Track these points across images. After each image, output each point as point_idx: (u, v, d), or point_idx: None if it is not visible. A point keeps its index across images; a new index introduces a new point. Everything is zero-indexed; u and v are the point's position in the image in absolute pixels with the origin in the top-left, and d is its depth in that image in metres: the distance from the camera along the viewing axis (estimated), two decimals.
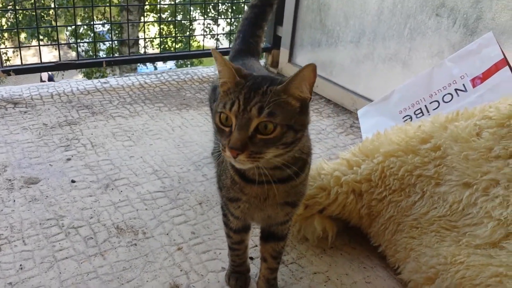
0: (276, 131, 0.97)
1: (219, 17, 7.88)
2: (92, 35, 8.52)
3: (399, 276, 1.51)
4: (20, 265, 1.49)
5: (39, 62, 3.07)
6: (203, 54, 3.90)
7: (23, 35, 10.15)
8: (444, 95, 2.08)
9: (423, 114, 2.10)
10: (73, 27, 6.39)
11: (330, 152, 2.38)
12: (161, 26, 5.63)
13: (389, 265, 1.57)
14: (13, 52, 9.12)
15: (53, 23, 8.25)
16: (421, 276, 1.40)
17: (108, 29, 9.91)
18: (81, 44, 10.97)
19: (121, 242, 1.62)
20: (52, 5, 8.50)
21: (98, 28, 9.70)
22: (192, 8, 10.27)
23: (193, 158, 2.21)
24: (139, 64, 7.48)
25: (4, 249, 1.55)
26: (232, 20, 4.40)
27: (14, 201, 1.80)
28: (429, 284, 1.37)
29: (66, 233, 1.65)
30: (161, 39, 4.22)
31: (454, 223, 1.40)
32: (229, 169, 1.17)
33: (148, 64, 8.57)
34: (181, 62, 9.80)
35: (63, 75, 10.08)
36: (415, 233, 1.47)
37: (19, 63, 3.06)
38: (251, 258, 1.57)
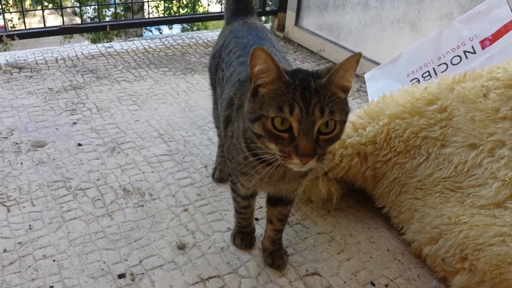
0: (336, 128, 0.95)
1: None
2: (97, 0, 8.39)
3: (402, 236, 1.52)
4: (29, 225, 1.52)
5: (43, 26, 3.04)
6: (208, 17, 3.85)
7: (28, 2, 10.04)
8: (453, 57, 2.05)
9: (431, 77, 2.07)
10: None
11: None
12: None
13: (393, 226, 1.59)
14: (19, 19, 9.02)
15: None
16: (425, 236, 1.41)
17: None
18: (87, 11, 10.83)
19: (128, 203, 1.64)
20: None
21: None
22: None
23: (198, 122, 2.21)
24: (144, 30, 7.41)
25: (13, 210, 1.58)
26: None
27: (22, 163, 1.82)
28: (432, 244, 1.39)
29: (73, 195, 1.67)
30: (166, 4, 4.14)
31: (459, 184, 1.40)
32: (243, 148, 1.11)
33: (154, 31, 8.50)
34: (187, 27, 9.69)
35: (69, 41, 10.03)
36: (419, 195, 1.48)
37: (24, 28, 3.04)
38: (257, 219, 1.59)
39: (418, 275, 1.42)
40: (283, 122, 0.92)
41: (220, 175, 1.79)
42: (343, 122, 0.97)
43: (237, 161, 1.17)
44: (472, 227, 1.28)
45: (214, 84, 1.55)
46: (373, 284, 1.38)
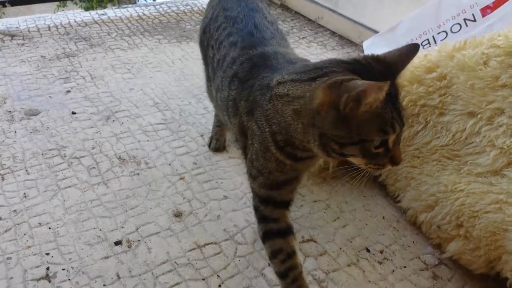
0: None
1: None
2: None
3: (398, 204, 1.53)
4: (24, 193, 1.51)
5: None
6: None
7: None
8: (453, 25, 2.01)
9: (430, 45, 2.04)
10: None
11: None
12: None
13: (389, 194, 1.59)
14: None
15: None
16: (421, 203, 1.41)
17: None
18: None
19: (124, 171, 1.63)
20: None
21: None
22: None
23: (194, 91, 2.18)
24: None
25: (7, 178, 1.57)
26: None
27: (15, 132, 1.80)
28: (428, 211, 1.39)
29: (68, 163, 1.66)
30: None
31: (456, 152, 1.39)
32: (275, 152, 0.99)
33: None
34: None
35: (63, 10, 9.82)
36: (416, 163, 1.47)
37: None
38: None
39: (413, 242, 1.43)
40: (383, 141, 0.87)
41: (217, 145, 1.77)
42: None
43: (268, 169, 1.03)
44: (468, 195, 1.28)
45: (206, 60, 1.43)
46: (368, 250, 1.39)
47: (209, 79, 1.43)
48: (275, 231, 1.11)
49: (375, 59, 0.90)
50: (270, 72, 1.02)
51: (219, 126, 1.77)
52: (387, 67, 0.89)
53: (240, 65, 1.11)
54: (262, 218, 1.13)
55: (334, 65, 0.90)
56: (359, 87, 0.78)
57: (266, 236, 1.12)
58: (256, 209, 1.15)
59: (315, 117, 0.86)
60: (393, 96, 0.85)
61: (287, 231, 1.12)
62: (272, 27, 1.28)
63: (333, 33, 2.95)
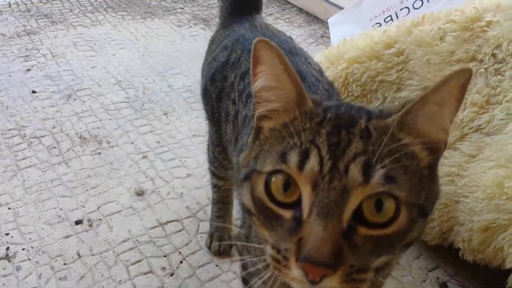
0: (400, 218, 0.49)
1: None
2: None
3: None
4: None
5: None
6: None
7: None
8: (415, 1, 2.03)
9: (392, 21, 2.05)
10: None
11: None
12: None
13: None
14: None
15: None
16: None
17: None
18: None
19: (85, 151, 1.62)
20: None
21: None
22: None
23: (158, 69, 2.15)
24: None
25: None
26: None
27: None
28: None
29: (28, 143, 1.63)
30: None
31: None
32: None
33: None
34: None
35: None
36: None
37: None
38: None
39: None
40: (287, 187, 0.50)
41: (221, 247, 1.28)
42: (420, 210, 0.51)
43: (258, 271, 0.63)
44: None
45: (217, 118, 1.08)
46: None
47: (219, 142, 1.12)
48: None
49: None
50: None
51: (221, 217, 1.31)
52: None
53: None
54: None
55: None
56: None
57: None
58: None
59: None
60: (342, 126, 0.51)
61: None
62: (321, 76, 0.95)
63: (300, 10, 2.94)
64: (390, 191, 0.47)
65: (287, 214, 0.49)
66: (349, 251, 0.46)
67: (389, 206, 0.48)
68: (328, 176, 0.47)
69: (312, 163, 0.48)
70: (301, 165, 0.48)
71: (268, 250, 0.50)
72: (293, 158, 0.49)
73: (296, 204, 0.49)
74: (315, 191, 0.47)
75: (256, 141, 0.57)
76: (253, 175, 0.53)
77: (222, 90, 1.02)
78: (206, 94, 1.11)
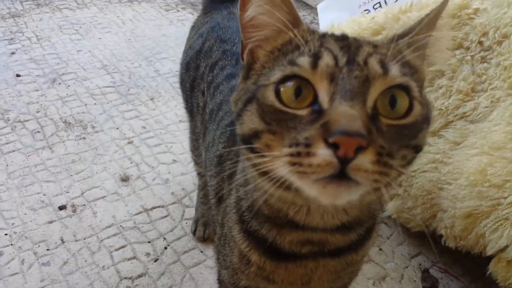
0: (415, 109, 0.51)
1: None
2: None
3: None
4: None
5: None
6: None
7: None
8: None
9: (381, 8, 2.04)
10: None
11: None
12: None
13: None
14: None
15: None
16: None
17: None
18: None
19: (70, 136, 1.60)
20: None
21: None
22: None
23: (145, 53, 2.12)
24: None
25: None
26: None
27: None
28: None
29: (12, 127, 1.60)
30: None
31: None
32: (236, 238, 0.65)
33: None
34: None
35: None
36: None
37: None
38: None
39: None
40: (299, 93, 0.50)
41: (205, 233, 1.29)
42: (427, 115, 0.53)
43: (231, 266, 0.70)
44: None
45: (190, 108, 1.07)
46: None
47: (196, 133, 1.10)
48: None
49: None
50: None
51: (207, 203, 1.29)
52: None
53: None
54: None
55: None
56: None
57: None
58: None
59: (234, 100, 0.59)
60: (346, 39, 0.55)
61: None
62: None
63: None
64: (407, 83, 0.50)
65: (303, 111, 0.49)
66: (377, 133, 0.47)
67: (402, 101, 0.50)
68: (345, 68, 0.49)
69: (327, 59, 0.49)
70: (314, 64, 0.49)
71: (284, 152, 0.48)
72: (305, 60, 0.50)
73: (308, 105, 0.49)
74: (334, 83, 0.48)
75: (249, 76, 0.57)
76: (259, 92, 0.52)
77: (194, 79, 1.00)
78: (181, 83, 1.09)
